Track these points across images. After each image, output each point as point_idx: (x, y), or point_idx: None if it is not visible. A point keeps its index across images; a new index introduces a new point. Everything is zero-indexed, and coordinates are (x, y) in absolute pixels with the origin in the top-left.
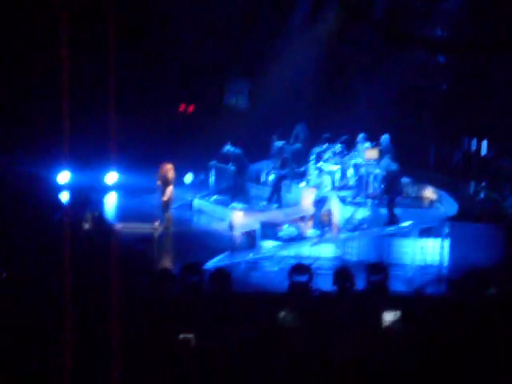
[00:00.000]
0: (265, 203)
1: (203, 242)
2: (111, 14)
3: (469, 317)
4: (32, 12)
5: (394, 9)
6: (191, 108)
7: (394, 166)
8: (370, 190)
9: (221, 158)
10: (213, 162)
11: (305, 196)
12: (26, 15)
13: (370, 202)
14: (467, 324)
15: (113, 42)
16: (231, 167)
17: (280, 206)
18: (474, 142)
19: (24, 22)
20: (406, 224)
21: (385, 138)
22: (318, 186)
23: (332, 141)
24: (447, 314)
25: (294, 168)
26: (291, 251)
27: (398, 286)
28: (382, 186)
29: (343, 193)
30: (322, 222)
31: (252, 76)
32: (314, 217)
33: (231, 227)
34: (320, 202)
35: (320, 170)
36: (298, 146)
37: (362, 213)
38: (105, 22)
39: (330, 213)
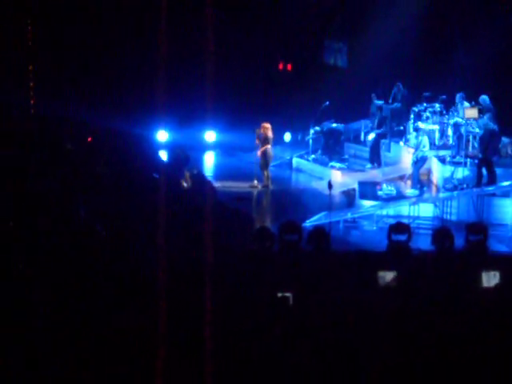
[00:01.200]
0: (366, 164)
1: (302, 201)
2: None
3: None
4: None
5: None
6: (290, 66)
7: (492, 125)
8: (470, 150)
9: (319, 116)
10: (313, 122)
11: (404, 155)
12: None
13: (469, 161)
14: None
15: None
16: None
17: (379, 165)
18: None
19: None
20: (505, 184)
21: (484, 97)
22: (416, 146)
23: (431, 100)
24: None
25: (393, 127)
26: (390, 210)
27: (497, 246)
28: (483, 146)
29: (442, 152)
30: (421, 182)
31: (350, 34)
32: (412, 176)
33: (330, 186)
34: (418, 162)
35: (418, 130)
36: (396, 105)
37: (462, 172)
38: None
39: (429, 172)
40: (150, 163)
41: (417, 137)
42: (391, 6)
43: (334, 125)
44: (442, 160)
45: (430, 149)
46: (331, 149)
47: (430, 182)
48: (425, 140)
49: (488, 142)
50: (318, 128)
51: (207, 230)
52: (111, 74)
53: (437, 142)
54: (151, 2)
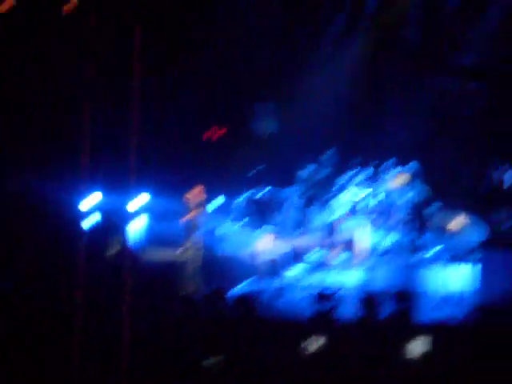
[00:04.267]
0: (293, 229)
1: (229, 267)
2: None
3: (499, 345)
4: None
5: (426, 35)
6: (222, 131)
7: (424, 192)
8: (398, 217)
9: (249, 183)
10: (242, 187)
11: (333, 221)
12: None
13: (399, 227)
14: (497, 352)
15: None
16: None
17: (308, 232)
18: (505, 168)
19: None
20: (435, 250)
21: (415, 163)
22: (341, 210)
23: (362, 166)
24: (476, 343)
25: (322, 194)
26: (317, 277)
27: (424, 314)
28: (411, 213)
29: (371, 219)
30: (349, 248)
31: (281, 100)
32: (339, 242)
33: (257, 253)
34: (338, 225)
35: (347, 195)
36: (326, 171)
37: (391, 238)
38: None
39: (357, 238)
40: (76, 228)
41: (344, 201)
42: (322, 72)
43: (265, 190)
44: (372, 226)
45: (360, 215)
46: (261, 215)
47: (357, 248)
48: (344, 202)
49: (418, 209)
50: (247, 194)
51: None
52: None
53: (366, 208)
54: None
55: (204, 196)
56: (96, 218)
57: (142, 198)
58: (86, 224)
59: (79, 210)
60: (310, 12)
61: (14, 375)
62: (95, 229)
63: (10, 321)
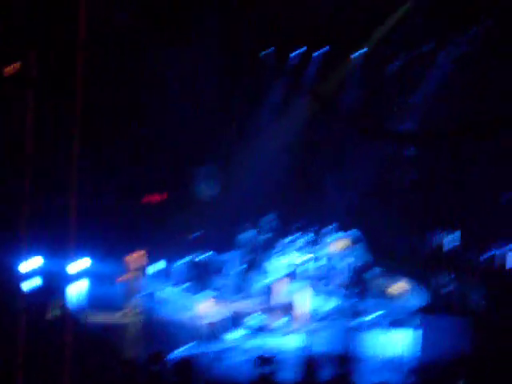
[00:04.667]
0: (233, 293)
1: (169, 331)
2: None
3: None
4: None
5: (365, 102)
6: (162, 196)
7: (364, 257)
8: (340, 281)
9: (190, 248)
10: (182, 251)
11: (273, 286)
12: None
13: (340, 292)
14: None
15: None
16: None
17: (248, 296)
18: (443, 235)
19: None
20: (374, 315)
21: (355, 229)
22: (281, 274)
23: (303, 231)
24: None
25: (262, 258)
26: (258, 341)
27: (364, 378)
28: (352, 277)
29: (311, 283)
30: (290, 312)
31: (222, 165)
32: (279, 306)
33: (198, 317)
34: (278, 290)
35: (288, 259)
36: (268, 235)
37: (332, 303)
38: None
39: (298, 302)
40: (15, 292)
41: (282, 266)
42: (262, 136)
43: (205, 255)
44: (312, 290)
45: (300, 279)
46: (201, 279)
47: (298, 312)
48: (285, 266)
49: (358, 274)
50: (187, 259)
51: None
52: None
53: (307, 273)
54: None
55: (144, 259)
56: (36, 281)
57: (83, 262)
58: (26, 287)
59: (19, 273)
60: (250, 77)
61: None
62: (35, 292)
63: None
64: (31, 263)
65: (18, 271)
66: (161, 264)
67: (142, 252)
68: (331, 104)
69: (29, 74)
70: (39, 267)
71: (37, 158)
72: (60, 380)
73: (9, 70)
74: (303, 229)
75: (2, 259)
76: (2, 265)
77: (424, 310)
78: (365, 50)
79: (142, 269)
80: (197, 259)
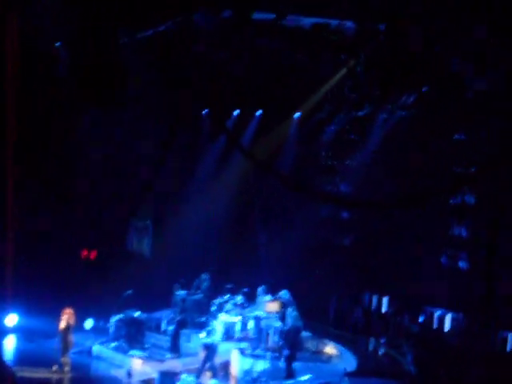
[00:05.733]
0: (166, 354)
1: None
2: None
3: None
4: None
5: (301, 162)
6: (93, 254)
7: (295, 320)
8: (270, 343)
9: (122, 305)
10: (115, 309)
11: (204, 346)
12: None
13: (269, 354)
14: None
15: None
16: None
17: (179, 356)
18: (374, 299)
19: None
20: (304, 378)
21: (284, 291)
22: (209, 333)
23: (233, 292)
24: None
25: (195, 318)
26: None
27: None
28: (282, 340)
29: (243, 344)
30: (221, 372)
31: (156, 223)
32: (210, 366)
33: (129, 374)
34: (209, 349)
35: (219, 320)
36: (199, 295)
37: (261, 365)
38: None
39: (228, 364)
40: None
41: (217, 327)
42: (197, 198)
43: (136, 313)
44: (242, 352)
45: (230, 341)
46: (132, 337)
47: (229, 374)
48: (216, 327)
49: (292, 337)
50: (119, 316)
51: None
52: None
53: (237, 334)
54: None
55: (74, 316)
56: None
57: (12, 317)
58: None
59: None
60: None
61: None
62: None
63: None
64: None
65: None
66: (93, 321)
67: (73, 309)
68: (266, 164)
69: None
70: None
71: None
72: None
73: None
74: (235, 290)
75: None
76: None
77: (354, 374)
78: (301, 113)
79: (73, 325)
80: (129, 317)
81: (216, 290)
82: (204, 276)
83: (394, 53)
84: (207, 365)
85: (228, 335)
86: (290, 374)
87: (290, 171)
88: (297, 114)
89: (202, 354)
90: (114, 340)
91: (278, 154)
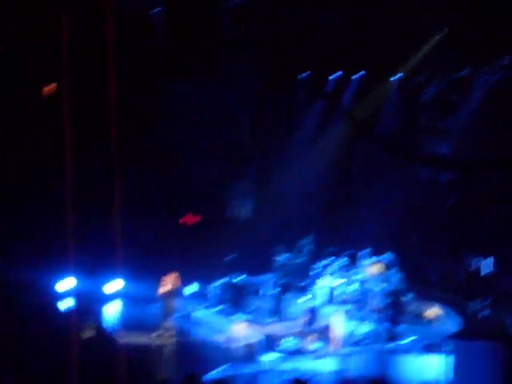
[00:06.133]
0: (268, 318)
1: (204, 353)
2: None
3: None
4: None
5: (400, 125)
6: (196, 218)
7: (398, 283)
8: (373, 305)
9: (225, 269)
10: (217, 273)
11: (308, 309)
12: None
13: (372, 317)
14: None
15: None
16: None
17: (282, 319)
18: (477, 261)
19: None
20: (408, 340)
21: (387, 254)
22: (313, 297)
23: (336, 255)
24: None
25: (297, 281)
26: (292, 364)
27: None
28: (386, 302)
29: (346, 307)
30: (324, 335)
31: (256, 188)
32: (314, 329)
33: (232, 339)
34: (312, 313)
35: (322, 283)
36: (302, 259)
37: (364, 328)
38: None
39: (331, 327)
40: (51, 313)
41: (318, 289)
42: (297, 162)
43: (239, 278)
44: (346, 314)
45: (335, 303)
46: (235, 301)
47: (332, 336)
48: (319, 290)
49: (393, 298)
50: (222, 280)
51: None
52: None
53: (340, 297)
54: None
55: (179, 281)
56: (71, 301)
57: (118, 283)
58: (62, 307)
59: (55, 293)
60: (288, 99)
61: None
62: (70, 312)
63: None
64: (67, 283)
65: (55, 291)
66: (195, 286)
67: (177, 273)
68: (367, 128)
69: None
70: (74, 287)
71: (77, 180)
72: None
73: (47, 89)
74: (338, 253)
75: (39, 279)
76: (39, 284)
77: (458, 336)
78: (401, 74)
79: (177, 290)
80: (232, 281)
81: (318, 253)
82: (306, 239)
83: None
84: (310, 328)
85: (330, 298)
86: (394, 336)
87: (390, 133)
88: (396, 76)
89: (304, 318)
90: (216, 304)
91: (377, 117)
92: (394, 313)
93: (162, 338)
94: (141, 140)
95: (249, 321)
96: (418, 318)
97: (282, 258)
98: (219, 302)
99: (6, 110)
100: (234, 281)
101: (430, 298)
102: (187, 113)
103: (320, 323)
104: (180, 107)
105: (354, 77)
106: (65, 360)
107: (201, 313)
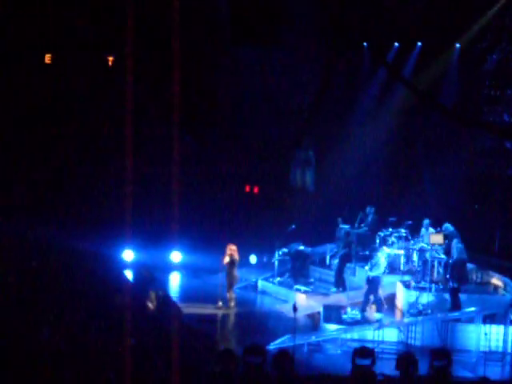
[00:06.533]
0: (330, 288)
1: (266, 323)
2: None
3: None
4: None
5: (463, 93)
6: (256, 189)
7: (460, 253)
8: (435, 275)
9: (285, 239)
10: (279, 244)
11: (369, 279)
12: None
13: (434, 287)
14: None
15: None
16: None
17: (344, 290)
18: None
19: None
20: (469, 310)
21: (447, 225)
22: (373, 266)
23: (397, 225)
24: None
25: (359, 251)
26: (354, 334)
27: (462, 371)
28: (448, 272)
29: (407, 277)
30: (386, 306)
31: (317, 159)
32: (377, 299)
33: (295, 309)
34: (374, 283)
35: (385, 253)
36: (363, 229)
37: (426, 298)
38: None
39: (394, 297)
40: (115, 283)
41: (378, 258)
42: (358, 132)
43: (301, 248)
44: (407, 285)
45: (395, 274)
46: (297, 272)
47: (394, 306)
48: (380, 260)
49: (457, 269)
50: (284, 250)
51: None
52: (76, 191)
53: (402, 267)
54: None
55: (239, 252)
56: (135, 271)
57: (179, 254)
58: (128, 276)
59: (122, 263)
60: (349, 69)
61: None
62: (134, 282)
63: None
64: (130, 254)
65: (121, 261)
66: (257, 256)
67: (237, 245)
68: (429, 98)
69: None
70: (137, 258)
71: (136, 149)
72: (166, 369)
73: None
74: (397, 223)
75: (104, 249)
76: (104, 254)
77: None
78: (462, 43)
79: (238, 260)
80: (293, 251)
81: (380, 224)
82: (368, 209)
83: None
84: (372, 298)
85: (392, 268)
86: (456, 305)
87: (453, 102)
88: (458, 44)
89: (366, 288)
90: (278, 275)
91: (440, 86)
92: (455, 282)
93: (225, 308)
94: (204, 108)
95: (311, 291)
96: (481, 287)
97: (343, 227)
98: (281, 272)
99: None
100: (297, 250)
101: (491, 267)
102: (252, 80)
103: (382, 293)
104: (245, 74)
105: (415, 46)
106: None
107: (263, 283)
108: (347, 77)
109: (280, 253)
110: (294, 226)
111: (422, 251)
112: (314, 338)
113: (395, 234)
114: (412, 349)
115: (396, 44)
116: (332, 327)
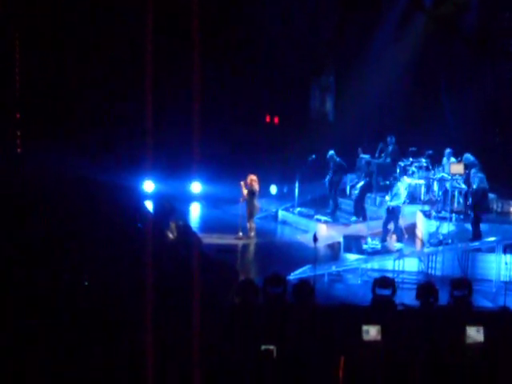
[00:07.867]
0: (350, 216)
1: (287, 254)
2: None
3: None
4: None
5: (485, 22)
6: (277, 119)
7: (481, 182)
8: (455, 205)
9: (306, 171)
10: (299, 175)
11: (389, 209)
12: None
13: (454, 216)
14: None
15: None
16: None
17: (364, 219)
18: None
19: None
20: (490, 239)
21: (467, 155)
22: (394, 196)
23: (417, 155)
24: None
25: (379, 181)
26: (375, 264)
27: (482, 301)
28: (469, 201)
29: (427, 207)
30: (406, 236)
31: (338, 88)
32: (397, 229)
33: (315, 239)
34: (394, 212)
35: (405, 183)
36: (383, 159)
37: (447, 227)
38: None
39: (415, 225)
40: (136, 213)
41: (403, 190)
42: (378, 61)
43: (324, 178)
44: (428, 215)
45: (415, 203)
46: (318, 202)
47: (415, 236)
48: (401, 190)
49: (479, 199)
50: (305, 181)
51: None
52: (98, 124)
53: (422, 197)
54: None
55: (259, 182)
56: (156, 202)
57: (198, 185)
58: (149, 207)
59: (142, 193)
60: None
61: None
62: (155, 213)
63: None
64: (151, 185)
65: (142, 191)
66: (277, 186)
67: (257, 175)
68: (451, 24)
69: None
70: (158, 189)
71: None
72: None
73: None
74: (418, 153)
75: (125, 180)
76: (125, 185)
77: None
78: None
79: (259, 191)
80: (313, 183)
81: (400, 154)
82: (389, 139)
83: None
84: (392, 228)
85: (413, 198)
86: (477, 235)
87: (474, 31)
88: None
89: (386, 218)
90: (298, 205)
91: (461, 14)
92: (476, 212)
93: (245, 238)
94: (226, 37)
95: (332, 221)
96: (501, 216)
97: (364, 157)
98: (301, 203)
99: None
100: (316, 182)
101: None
102: (273, 10)
103: (402, 223)
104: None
105: None
106: (149, 258)
107: (284, 213)
108: (369, 2)
109: (301, 184)
110: (314, 156)
111: (442, 181)
112: (334, 268)
113: (416, 164)
114: (432, 279)
115: None
116: (352, 257)
